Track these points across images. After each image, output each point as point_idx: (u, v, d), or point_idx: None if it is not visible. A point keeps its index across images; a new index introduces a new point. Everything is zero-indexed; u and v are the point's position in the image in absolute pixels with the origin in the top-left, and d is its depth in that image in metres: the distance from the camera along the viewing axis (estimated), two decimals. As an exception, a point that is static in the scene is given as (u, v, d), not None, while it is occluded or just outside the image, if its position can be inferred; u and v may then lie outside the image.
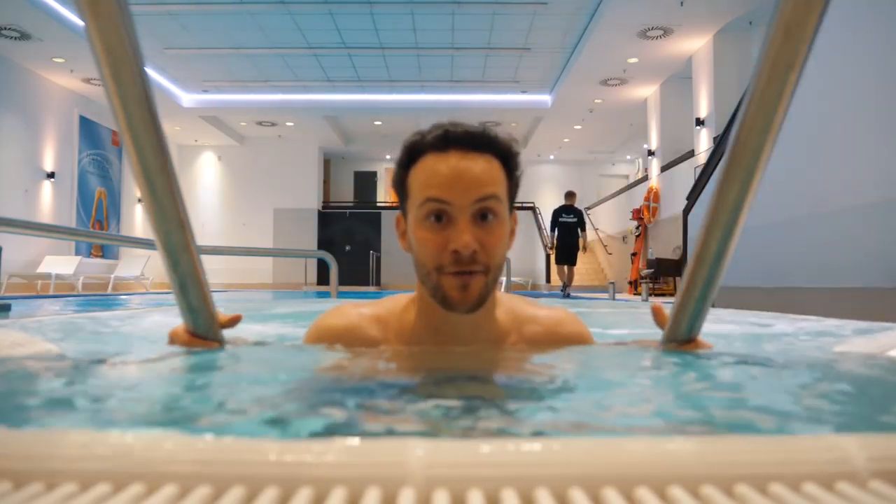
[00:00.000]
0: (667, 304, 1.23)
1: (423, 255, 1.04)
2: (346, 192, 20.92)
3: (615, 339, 1.47)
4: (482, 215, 1.01)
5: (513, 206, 1.11)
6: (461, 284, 1.01)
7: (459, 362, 1.11)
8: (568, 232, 10.14)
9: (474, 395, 0.87)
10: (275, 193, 17.76)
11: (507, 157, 1.07)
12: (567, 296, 9.93)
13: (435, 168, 1.02)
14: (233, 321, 1.18)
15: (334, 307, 1.29)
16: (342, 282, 7.30)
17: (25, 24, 9.70)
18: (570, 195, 10.58)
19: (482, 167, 1.02)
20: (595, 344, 1.29)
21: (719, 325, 2.09)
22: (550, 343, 1.20)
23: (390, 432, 0.64)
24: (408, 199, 1.06)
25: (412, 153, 1.06)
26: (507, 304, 1.22)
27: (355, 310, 1.23)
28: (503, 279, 10.18)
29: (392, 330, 1.19)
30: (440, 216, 1.01)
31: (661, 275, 10.73)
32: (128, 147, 0.91)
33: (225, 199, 17.94)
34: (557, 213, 10.31)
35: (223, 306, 1.21)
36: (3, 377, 0.97)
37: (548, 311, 1.26)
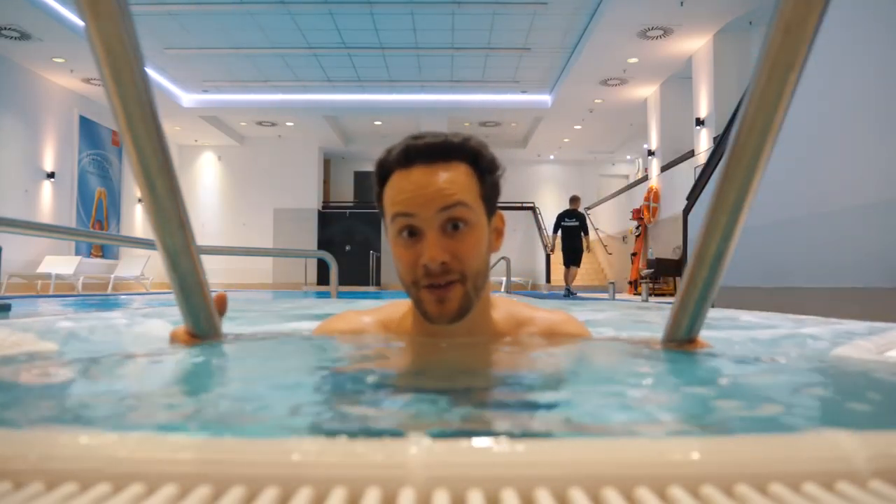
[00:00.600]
0: (667, 305, 1.23)
1: (400, 271, 1.06)
2: (346, 192, 20.92)
3: (615, 338, 1.47)
4: (453, 225, 1.01)
5: (493, 208, 1.10)
6: (437, 298, 1.02)
7: (459, 358, 1.11)
8: (570, 235, 10.52)
9: (473, 394, 0.87)
10: (275, 193, 17.76)
11: (475, 160, 1.05)
12: (569, 294, 10.03)
13: (400, 185, 1.03)
14: (219, 302, 1.16)
15: (339, 313, 1.31)
16: (342, 282, 7.30)
17: (25, 24, 9.70)
18: (574, 200, 10.92)
19: (446, 177, 1.01)
20: (595, 340, 1.29)
21: (732, 331, 2.09)
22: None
23: (391, 432, 0.64)
24: (384, 218, 1.08)
25: (382, 172, 1.07)
26: (505, 307, 1.22)
27: (359, 316, 1.26)
28: (503, 279, 10.24)
29: (394, 334, 1.21)
30: (412, 231, 1.02)
31: (661, 275, 10.73)
32: (128, 147, 0.90)
33: (225, 199, 17.94)
34: (560, 218, 10.71)
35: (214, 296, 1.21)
36: (3, 377, 0.97)
37: (547, 314, 1.26)
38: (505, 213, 1.18)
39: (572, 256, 10.57)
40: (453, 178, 1.02)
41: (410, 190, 1.01)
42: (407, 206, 1.01)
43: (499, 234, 1.14)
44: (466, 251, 1.02)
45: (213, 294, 1.12)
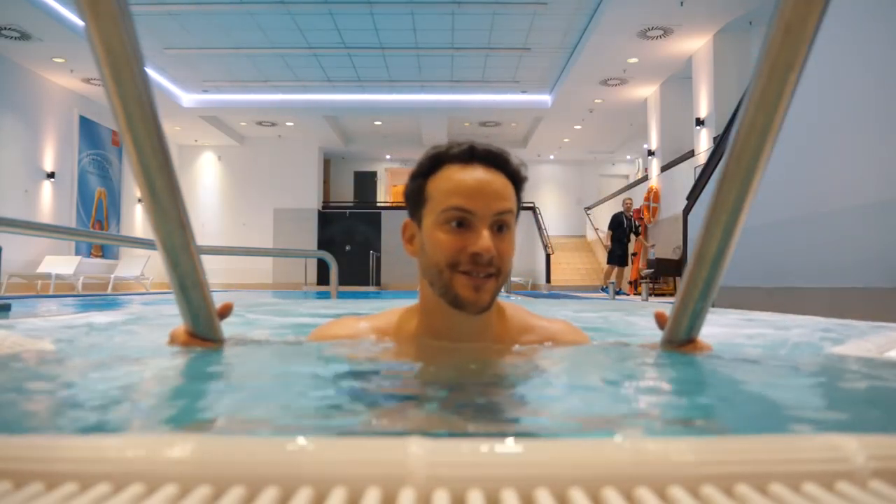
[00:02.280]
0: (667, 305, 1.23)
1: (437, 254, 1.08)
2: (346, 192, 20.92)
3: (615, 339, 1.47)
4: (498, 227, 1.08)
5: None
6: (475, 286, 1.07)
7: (459, 361, 1.11)
8: None
9: (473, 396, 0.87)
10: (275, 193, 17.76)
11: (516, 179, 1.14)
12: (604, 289, 10.53)
13: (460, 178, 1.09)
14: (224, 310, 1.18)
15: (336, 319, 1.31)
16: (342, 282, 7.29)
17: (25, 24, 9.70)
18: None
19: (501, 183, 1.10)
20: (595, 343, 1.29)
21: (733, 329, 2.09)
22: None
23: (390, 431, 0.64)
24: (425, 205, 1.11)
25: (434, 163, 1.12)
26: (509, 312, 1.24)
27: (357, 322, 1.27)
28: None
29: (392, 340, 1.21)
30: (462, 222, 1.07)
31: (661, 275, 10.73)
32: (128, 147, 0.90)
33: (225, 199, 17.94)
34: None
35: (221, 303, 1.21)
36: (3, 377, 0.97)
37: (548, 323, 1.28)
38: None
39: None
40: (505, 187, 1.11)
41: (472, 186, 1.07)
42: (467, 201, 1.06)
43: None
44: (507, 251, 1.09)
45: (214, 294, 1.12)
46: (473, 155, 1.10)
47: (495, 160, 1.11)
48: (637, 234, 11.90)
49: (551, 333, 1.24)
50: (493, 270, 1.07)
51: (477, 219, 1.06)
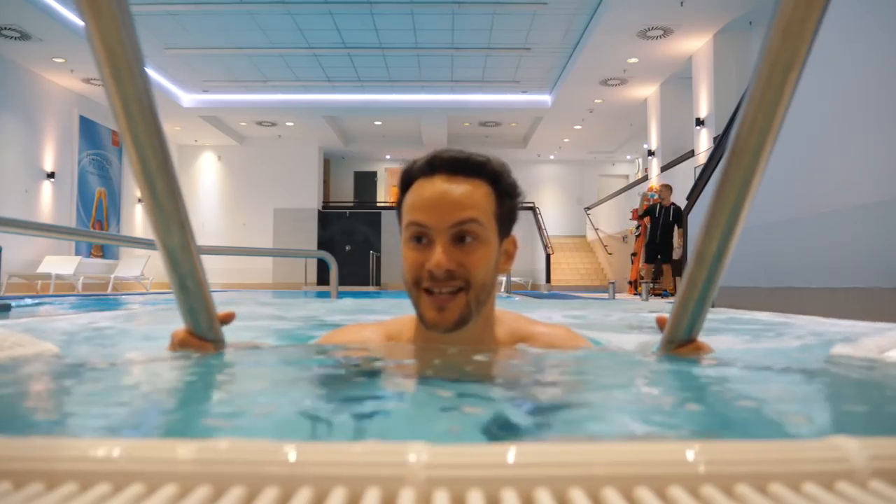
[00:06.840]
0: (667, 305, 1.23)
1: (405, 272, 1.09)
2: (346, 192, 20.92)
3: (614, 339, 1.47)
4: (460, 237, 1.05)
5: (507, 230, 1.14)
6: (438, 306, 1.05)
7: (458, 367, 1.11)
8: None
9: (473, 398, 0.87)
10: (275, 193, 17.76)
11: (495, 181, 1.10)
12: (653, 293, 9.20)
13: (420, 193, 1.07)
14: (226, 318, 1.18)
15: (343, 327, 1.34)
16: (342, 282, 7.29)
17: (25, 24, 9.70)
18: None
19: (463, 191, 1.06)
20: (595, 347, 1.29)
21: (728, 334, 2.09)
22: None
23: (391, 433, 0.65)
24: (401, 223, 1.12)
25: (406, 179, 1.12)
26: (507, 322, 1.23)
27: (362, 329, 1.29)
28: (502, 279, 10.23)
29: (393, 347, 1.22)
30: (420, 238, 1.06)
31: (661, 275, 10.72)
32: (128, 147, 0.90)
33: (225, 199, 17.94)
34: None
35: (223, 306, 1.21)
36: (3, 378, 0.97)
37: (547, 329, 1.26)
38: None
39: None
40: (470, 193, 1.06)
41: (427, 199, 1.05)
42: (421, 216, 1.05)
43: (508, 256, 1.17)
44: (473, 262, 1.05)
45: (215, 294, 1.12)
46: (435, 165, 1.08)
47: (460, 167, 1.07)
48: (679, 224, 9.59)
49: (551, 340, 1.23)
50: (459, 284, 1.04)
51: (433, 232, 1.04)
